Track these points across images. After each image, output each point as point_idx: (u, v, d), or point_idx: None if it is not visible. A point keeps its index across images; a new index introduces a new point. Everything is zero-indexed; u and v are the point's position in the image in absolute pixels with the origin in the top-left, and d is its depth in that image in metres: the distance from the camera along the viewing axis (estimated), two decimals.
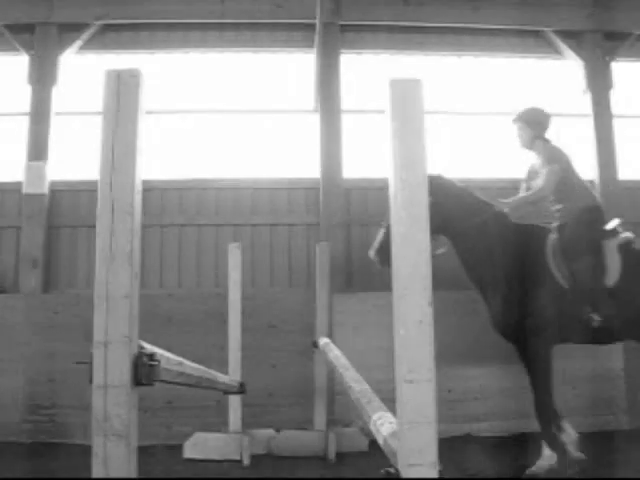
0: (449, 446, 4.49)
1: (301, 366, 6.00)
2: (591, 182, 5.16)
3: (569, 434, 4.76)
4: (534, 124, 5.20)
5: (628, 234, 5.07)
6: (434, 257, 5.25)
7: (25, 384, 5.90)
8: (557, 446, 4.69)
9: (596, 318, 4.71)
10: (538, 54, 7.34)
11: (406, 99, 1.74)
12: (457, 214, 4.96)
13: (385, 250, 4.90)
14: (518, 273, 4.86)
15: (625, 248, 4.96)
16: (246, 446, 5.22)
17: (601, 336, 4.89)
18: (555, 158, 5.05)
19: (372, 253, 5.04)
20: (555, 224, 5.13)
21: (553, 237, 5.01)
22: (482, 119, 7.21)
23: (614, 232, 5.05)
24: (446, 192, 5.02)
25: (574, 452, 4.70)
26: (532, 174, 5.26)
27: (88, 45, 7.04)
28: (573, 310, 4.75)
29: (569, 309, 4.77)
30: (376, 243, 5.03)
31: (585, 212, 5.03)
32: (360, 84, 7.10)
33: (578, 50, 7.20)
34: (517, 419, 6.03)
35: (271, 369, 6.09)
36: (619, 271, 4.85)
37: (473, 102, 7.21)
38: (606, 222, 5.12)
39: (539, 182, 5.10)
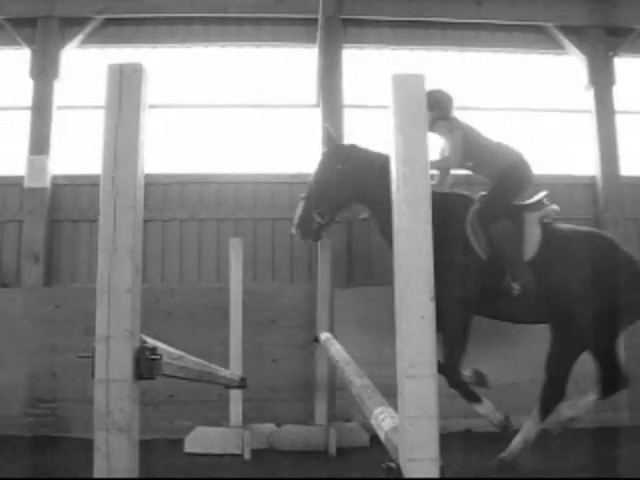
0: (449, 441, 4.48)
1: (302, 361, 6.01)
2: (505, 146, 5.06)
3: (487, 406, 4.79)
4: (435, 107, 5.13)
5: (553, 207, 5.02)
6: (359, 220, 5.20)
7: (26, 377, 5.91)
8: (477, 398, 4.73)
9: (516, 287, 4.66)
10: (540, 49, 7.33)
11: (409, 94, 1.74)
12: (372, 182, 4.91)
13: (306, 223, 4.91)
14: (435, 242, 4.76)
15: (547, 223, 4.92)
16: (247, 440, 5.23)
17: (517, 311, 4.85)
18: (455, 128, 5.06)
19: (294, 229, 5.00)
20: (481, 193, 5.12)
21: (475, 206, 4.99)
22: (484, 114, 7.19)
23: (538, 205, 5.00)
24: (361, 160, 5.01)
25: (495, 417, 4.76)
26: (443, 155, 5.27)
27: (90, 39, 7.04)
28: (491, 279, 4.68)
29: (486, 278, 4.69)
30: (296, 218, 4.97)
31: (508, 169, 5.00)
32: (362, 79, 7.09)
33: (580, 45, 7.19)
34: (518, 414, 6.02)
35: (272, 364, 6.09)
36: (538, 244, 4.80)
37: (475, 97, 7.19)
38: (531, 177, 5.08)
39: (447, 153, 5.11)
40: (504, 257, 4.72)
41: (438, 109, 5.16)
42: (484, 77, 7.29)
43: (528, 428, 4.61)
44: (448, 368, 4.66)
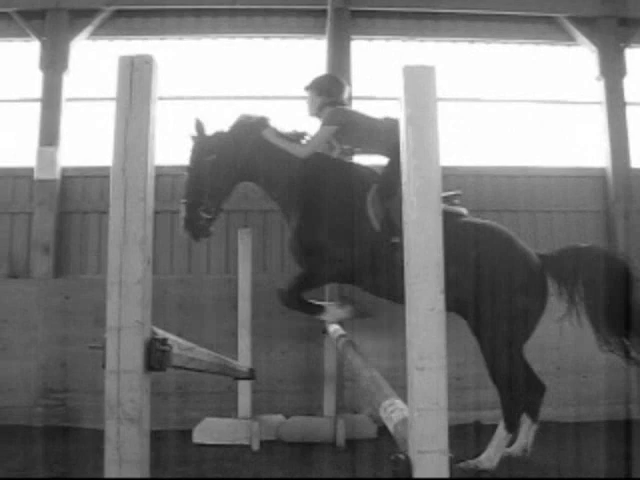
0: (458, 434, 4.49)
1: (311, 353, 6.02)
2: (393, 120, 5.02)
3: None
4: (323, 92, 5.12)
5: (461, 210, 4.95)
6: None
7: (37, 368, 5.94)
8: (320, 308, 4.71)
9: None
10: (551, 40, 7.28)
11: (419, 86, 1.74)
12: (250, 157, 4.95)
13: (193, 223, 4.85)
14: (333, 206, 4.76)
15: (450, 216, 4.71)
16: (255, 432, 5.25)
17: (399, 289, 4.74)
18: (334, 121, 4.94)
19: (181, 231, 4.92)
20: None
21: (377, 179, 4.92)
22: (494, 106, 7.18)
23: (446, 200, 4.87)
24: (228, 144, 4.96)
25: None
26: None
27: (99, 31, 7.04)
28: (380, 252, 4.59)
29: (377, 250, 4.61)
30: (181, 220, 4.88)
31: (399, 144, 4.93)
32: (371, 70, 7.07)
33: (591, 36, 7.14)
34: None
35: (281, 355, 6.10)
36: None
37: (485, 89, 7.17)
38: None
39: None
40: (397, 231, 4.53)
41: (327, 95, 5.12)
42: (494, 69, 7.25)
43: (497, 443, 4.45)
44: (289, 293, 4.61)
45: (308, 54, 7.18)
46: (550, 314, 6.09)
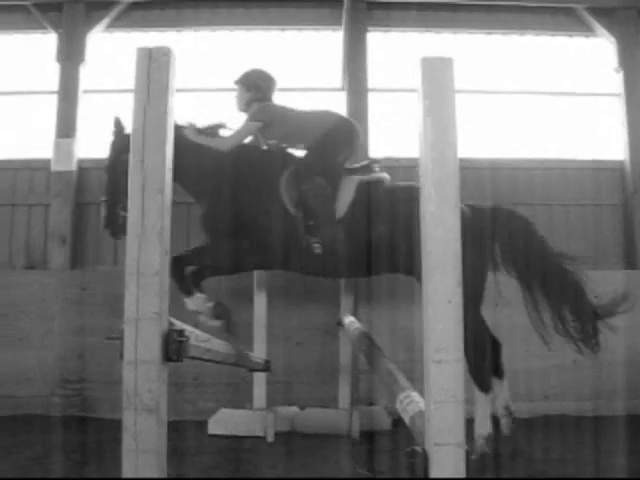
0: (473, 427, 4.48)
1: (326, 344, 6.01)
2: (322, 113, 5.13)
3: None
4: (252, 87, 5.11)
5: (382, 175, 4.96)
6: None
7: (54, 359, 5.98)
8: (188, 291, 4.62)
9: (317, 247, 4.57)
10: (569, 32, 7.20)
11: (437, 77, 1.73)
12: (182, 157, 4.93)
13: (112, 221, 4.83)
14: (248, 190, 4.77)
15: (369, 186, 4.82)
16: (270, 423, 5.26)
17: (327, 268, 4.78)
18: (259, 118, 4.95)
19: (102, 228, 4.92)
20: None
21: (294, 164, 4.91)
22: (511, 98, 7.13)
23: (359, 169, 4.93)
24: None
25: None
26: None
27: (115, 23, 7.05)
28: (296, 236, 4.60)
29: (293, 235, 4.61)
30: (102, 218, 4.87)
31: (324, 135, 4.89)
32: (388, 62, 7.04)
33: (610, 27, 7.06)
34: (541, 401, 6.02)
35: (296, 347, 6.11)
36: (349, 204, 4.70)
37: (502, 81, 7.13)
38: (353, 139, 4.98)
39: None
40: (312, 214, 4.61)
41: (256, 91, 5.12)
42: (511, 60, 7.20)
43: (481, 408, 4.47)
44: (176, 260, 4.54)
45: (324, 46, 7.16)
46: None
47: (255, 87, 5.13)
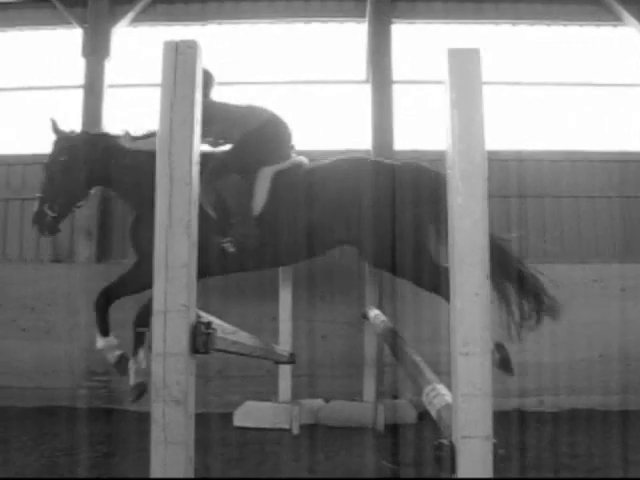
0: (499, 420, 4.46)
1: (351, 337, 6.02)
2: (255, 109, 5.08)
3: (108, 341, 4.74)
4: None
5: (298, 159, 4.93)
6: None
7: (80, 351, 6.03)
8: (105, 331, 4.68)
9: (229, 246, 4.57)
10: (596, 21, 7.09)
11: (464, 68, 1.72)
12: (102, 166, 4.95)
13: (39, 219, 4.84)
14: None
15: (286, 174, 4.78)
16: (296, 416, 5.28)
17: (256, 262, 4.79)
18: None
19: (32, 224, 4.91)
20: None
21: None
22: (537, 89, 7.07)
23: (283, 156, 4.90)
24: (81, 148, 4.94)
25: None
26: None
27: (140, 17, 7.09)
28: (212, 238, 4.56)
29: (210, 237, 4.55)
30: (33, 215, 4.87)
31: (250, 132, 4.88)
32: (412, 54, 7.01)
33: (639, 16, 6.97)
34: (568, 395, 5.99)
35: (321, 340, 6.12)
36: (265, 198, 4.68)
37: (528, 72, 7.07)
38: (281, 137, 4.95)
39: None
40: (228, 213, 4.62)
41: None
42: (537, 51, 7.14)
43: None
44: (100, 295, 4.67)
45: (348, 38, 7.14)
46: (593, 303, 6.05)
47: None
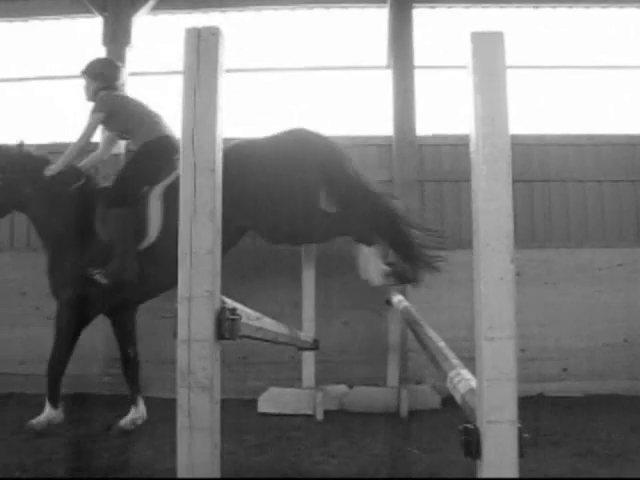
0: (522, 405, 4.45)
1: (374, 323, 6.02)
2: (158, 121, 5.06)
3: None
4: (98, 77, 5.09)
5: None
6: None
7: (105, 338, 6.06)
8: (57, 404, 4.73)
9: (99, 277, 4.59)
10: (620, 3, 7.00)
11: (488, 53, 1.72)
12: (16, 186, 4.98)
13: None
14: (70, 233, 4.80)
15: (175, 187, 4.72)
16: (319, 402, 5.30)
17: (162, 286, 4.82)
18: (100, 108, 4.93)
19: None
20: None
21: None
22: (560, 72, 7.00)
23: (170, 169, 4.86)
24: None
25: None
26: None
27: (160, 5, 7.08)
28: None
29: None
30: None
31: (145, 145, 4.90)
32: (434, 39, 6.96)
33: None
34: (591, 380, 5.96)
35: (344, 326, 6.13)
36: (160, 220, 4.68)
37: (551, 55, 6.99)
38: (169, 158, 4.88)
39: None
40: (115, 246, 4.65)
41: (102, 80, 5.11)
42: (560, 34, 7.05)
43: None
44: (54, 367, 4.79)
45: (369, 24, 7.10)
46: (618, 287, 6.02)
47: (100, 76, 5.15)
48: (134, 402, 4.96)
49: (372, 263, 4.61)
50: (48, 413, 4.74)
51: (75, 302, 4.79)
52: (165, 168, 4.86)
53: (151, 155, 4.91)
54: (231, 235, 4.67)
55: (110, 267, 4.60)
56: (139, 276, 4.67)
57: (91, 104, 5.14)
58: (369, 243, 4.62)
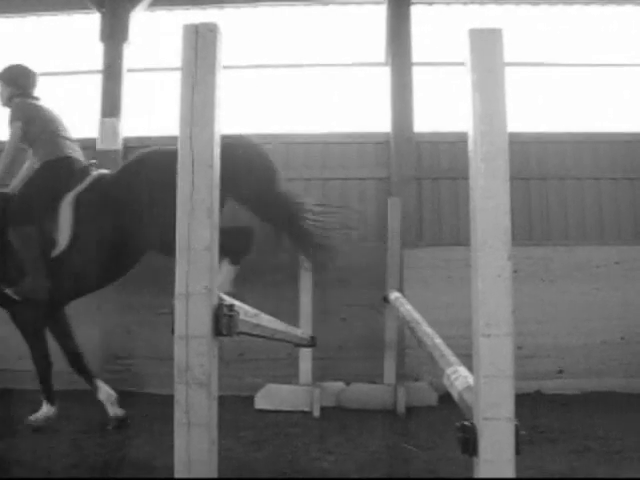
0: (518, 403, 4.46)
1: (371, 320, 6.02)
2: (60, 142, 5.00)
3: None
4: (11, 82, 5.04)
5: (98, 173, 4.95)
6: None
7: (103, 335, 6.07)
8: (54, 400, 4.76)
9: (11, 293, 4.62)
10: (619, 0, 6.99)
11: (486, 49, 1.71)
12: None
13: None
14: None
15: (88, 192, 4.78)
16: (317, 398, 5.30)
17: (75, 292, 4.89)
18: (18, 116, 4.88)
19: None
20: None
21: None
22: (557, 70, 6.99)
23: (81, 175, 4.89)
24: None
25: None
26: None
27: (158, 1, 7.06)
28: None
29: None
30: None
31: (41, 165, 4.88)
32: (432, 36, 6.96)
33: None
34: (588, 377, 5.96)
35: (341, 323, 6.13)
36: (70, 228, 4.67)
37: (548, 52, 6.99)
38: (56, 183, 4.83)
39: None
40: (26, 265, 4.64)
41: (15, 86, 5.05)
42: (558, 31, 7.04)
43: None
44: (40, 367, 4.80)
45: (367, 21, 7.09)
46: (615, 285, 6.03)
47: (14, 83, 5.09)
48: (95, 389, 4.94)
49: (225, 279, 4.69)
50: (47, 410, 4.75)
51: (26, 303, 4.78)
52: (72, 180, 4.87)
53: (50, 175, 4.88)
54: (137, 252, 4.91)
55: (21, 286, 4.63)
56: (52, 286, 4.69)
57: (4, 108, 5.14)
58: (235, 262, 4.72)
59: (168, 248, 4.63)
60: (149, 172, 4.61)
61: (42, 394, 4.77)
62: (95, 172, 4.99)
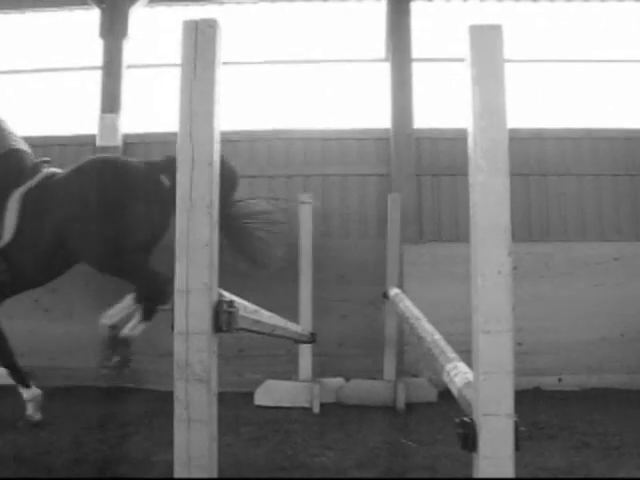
0: (518, 399, 4.46)
1: (371, 316, 6.03)
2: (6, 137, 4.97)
3: (32, 392, 4.79)
4: None
5: (50, 171, 4.92)
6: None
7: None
8: (27, 381, 4.79)
9: None
10: None
11: (486, 45, 1.71)
12: None
13: None
14: None
15: (37, 189, 4.76)
16: (316, 394, 5.31)
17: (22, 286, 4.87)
18: None
19: None
20: None
21: None
22: (557, 66, 6.99)
23: (31, 172, 4.87)
24: None
25: (32, 410, 4.74)
26: None
27: None
28: None
29: None
30: None
31: None
32: (432, 32, 6.95)
33: None
34: (588, 374, 5.97)
35: (341, 319, 6.13)
36: (15, 222, 4.65)
37: (548, 49, 6.99)
38: (16, 173, 4.84)
39: None
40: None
41: None
42: (558, 28, 7.04)
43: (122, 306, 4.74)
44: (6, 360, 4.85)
45: (367, 17, 7.08)
46: (614, 281, 6.02)
47: None
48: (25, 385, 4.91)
49: (119, 311, 4.74)
50: (28, 395, 4.77)
51: None
52: (21, 176, 4.85)
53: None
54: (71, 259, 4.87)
55: None
56: None
57: None
58: (147, 317, 4.76)
59: (99, 265, 4.67)
60: (95, 181, 4.66)
61: (15, 382, 4.80)
62: (46, 170, 4.97)
